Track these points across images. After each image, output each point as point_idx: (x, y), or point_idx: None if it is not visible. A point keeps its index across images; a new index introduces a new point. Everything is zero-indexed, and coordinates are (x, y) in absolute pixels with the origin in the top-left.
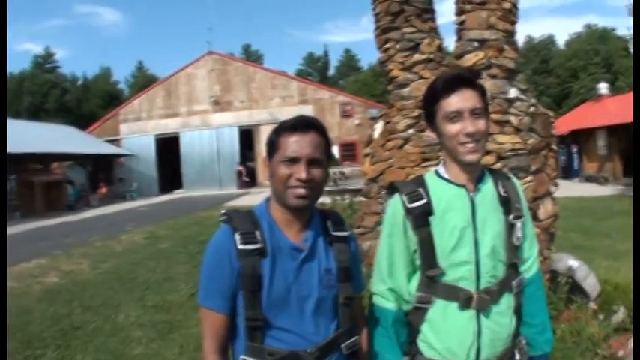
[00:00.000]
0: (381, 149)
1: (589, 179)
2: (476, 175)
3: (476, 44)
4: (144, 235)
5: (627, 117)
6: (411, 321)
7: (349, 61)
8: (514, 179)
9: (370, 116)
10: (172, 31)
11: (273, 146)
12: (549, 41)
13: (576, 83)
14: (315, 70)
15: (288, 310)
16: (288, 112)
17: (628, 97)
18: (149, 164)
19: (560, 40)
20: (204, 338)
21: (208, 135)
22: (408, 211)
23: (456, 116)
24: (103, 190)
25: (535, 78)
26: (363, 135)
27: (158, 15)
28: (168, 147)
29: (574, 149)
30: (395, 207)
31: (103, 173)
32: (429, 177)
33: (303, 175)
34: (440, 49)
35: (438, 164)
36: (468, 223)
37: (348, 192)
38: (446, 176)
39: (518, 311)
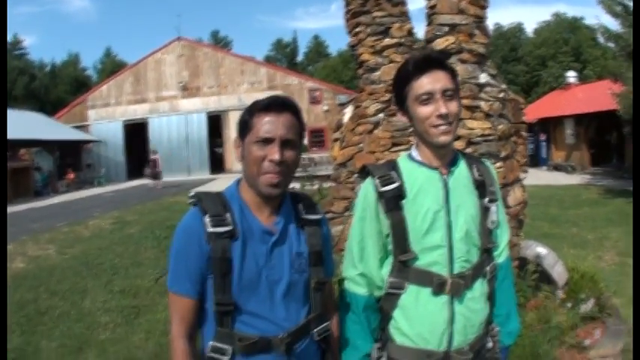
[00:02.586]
0: (350, 134)
1: (557, 168)
2: (449, 157)
3: (446, 29)
4: (111, 221)
5: (595, 106)
6: (382, 307)
7: (318, 48)
8: (488, 163)
9: (339, 102)
10: (141, 17)
11: (246, 126)
12: (518, 29)
13: (545, 71)
14: (283, 56)
15: (259, 294)
16: (257, 98)
17: (596, 86)
18: (117, 150)
19: (529, 29)
20: (172, 323)
21: (177, 121)
22: (380, 195)
23: (427, 98)
24: (71, 175)
25: (504, 66)
26: (331, 121)
27: (127, 1)
28: (136, 133)
29: (542, 137)
30: (367, 190)
31: (71, 159)
32: (402, 160)
33: (276, 156)
34: (410, 33)
35: (407, 149)
36: (441, 206)
37: (317, 178)
38: (419, 159)
39: (491, 297)
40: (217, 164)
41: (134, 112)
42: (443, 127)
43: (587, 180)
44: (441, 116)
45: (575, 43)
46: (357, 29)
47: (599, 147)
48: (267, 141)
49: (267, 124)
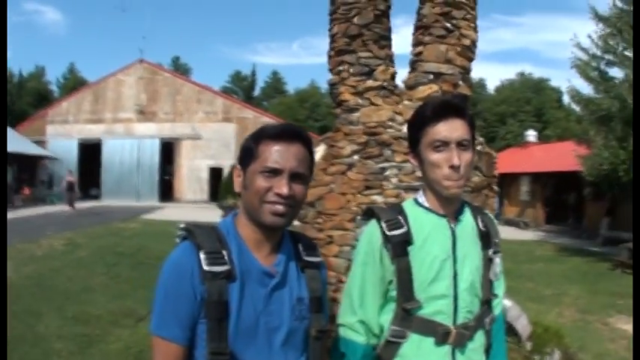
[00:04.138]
0: (321, 173)
1: (509, 222)
2: (456, 206)
3: (431, 77)
4: (63, 242)
5: (554, 165)
6: (381, 356)
7: (276, 84)
8: (490, 214)
9: None
10: (107, 35)
11: (250, 153)
12: (479, 85)
13: (503, 128)
14: (240, 88)
15: (256, 343)
16: (211, 129)
17: (556, 146)
18: (71, 169)
19: (491, 85)
20: None
21: (130, 144)
22: (387, 239)
23: (441, 145)
24: (26, 191)
25: None
26: None
27: (96, 18)
28: (90, 153)
29: None
30: (372, 234)
31: (27, 174)
32: (408, 205)
33: (284, 189)
34: (393, 77)
35: (380, 193)
36: (448, 255)
37: None
38: (426, 205)
39: (488, 350)
40: (167, 192)
41: (90, 131)
42: (454, 179)
43: (541, 237)
44: (452, 167)
45: (538, 103)
46: (340, 68)
47: (554, 206)
48: (274, 172)
49: (277, 154)
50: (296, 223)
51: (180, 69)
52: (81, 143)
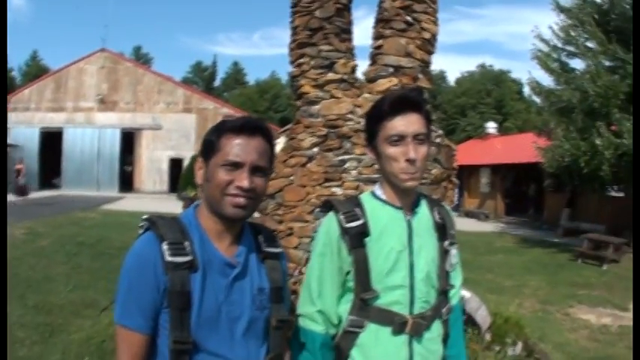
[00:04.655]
0: (281, 165)
1: (469, 214)
2: (412, 198)
3: (391, 70)
4: (24, 231)
5: (513, 157)
6: (339, 345)
7: (236, 75)
8: (447, 207)
9: None
10: (70, 24)
11: (212, 147)
12: (440, 77)
13: (463, 120)
14: (201, 79)
15: (218, 332)
16: (171, 119)
17: (516, 138)
18: (32, 157)
19: (452, 77)
20: None
21: (91, 134)
22: (345, 231)
23: (398, 139)
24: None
25: None
26: None
27: (58, 5)
28: (52, 142)
29: None
30: (330, 226)
31: None
32: (365, 198)
33: (245, 182)
34: (354, 70)
35: (340, 185)
36: (404, 246)
37: None
38: (383, 197)
39: (445, 339)
40: (126, 183)
41: (51, 119)
42: (410, 172)
43: (501, 228)
44: (409, 160)
45: (498, 95)
46: (301, 60)
47: (514, 197)
48: (236, 165)
49: (238, 147)
50: (256, 214)
51: (142, 59)
52: (42, 132)
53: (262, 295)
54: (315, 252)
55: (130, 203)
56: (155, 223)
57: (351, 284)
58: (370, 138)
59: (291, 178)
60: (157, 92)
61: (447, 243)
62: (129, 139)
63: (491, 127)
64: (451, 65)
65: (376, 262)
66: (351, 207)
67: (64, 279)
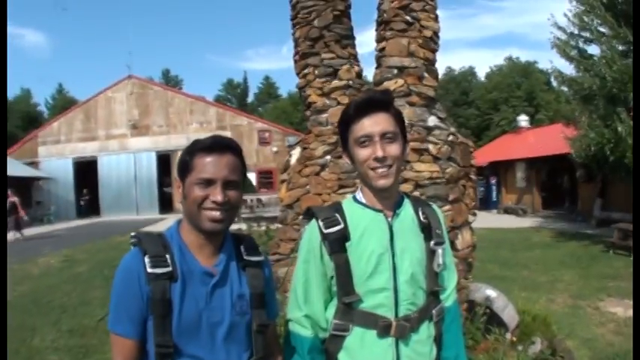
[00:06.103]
0: (297, 175)
1: (507, 211)
2: (393, 200)
3: (395, 71)
4: (61, 259)
5: (547, 149)
6: (328, 349)
7: (268, 89)
8: (435, 206)
9: (288, 144)
10: (93, 54)
11: (186, 166)
12: (470, 73)
13: (496, 115)
14: (234, 96)
15: (199, 337)
16: None
17: (548, 130)
18: (67, 188)
19: (481, 73)
20: None
21: (126, 159)
22: (324, 237)
23: (365, 140)
24: (22, 213)
25: (455, 110)
26: (280, 162)
27: (79, 37)
28: (86, 171)
29: (492, 180)
30: (311, 233)
31: (21, 196)
32: (346, 203)
33: (219, 197)
34: (359, 75)
35: (354, 191)
36: (385, 248)
37: (265, 219)
38: (363, 201)
39: (438, 340)
40: (167, 204)
41: (84, 149)
42: (380, 170)
43: (539, 223)
44: (377, 159)
45: (528, 87)
46: (306, 71)
47: (550, 190)
48: (209, 182)
49: (209, 165)
50: (277, 225)
51: (171, 81)
52: (76, 162)
53: (242, 301)
54: (300, 259)
55: (170, 224)
56: (141, 239)
57: (335, 289)
58: (344, 144)
59: (307, 187)
60: (189, 113)
61: (433, 243)
62: (165, 162)
63: (522, 119)
64: (480, 60)
65: (358, 266)
66: (331, 213)
67: (100, 302)
